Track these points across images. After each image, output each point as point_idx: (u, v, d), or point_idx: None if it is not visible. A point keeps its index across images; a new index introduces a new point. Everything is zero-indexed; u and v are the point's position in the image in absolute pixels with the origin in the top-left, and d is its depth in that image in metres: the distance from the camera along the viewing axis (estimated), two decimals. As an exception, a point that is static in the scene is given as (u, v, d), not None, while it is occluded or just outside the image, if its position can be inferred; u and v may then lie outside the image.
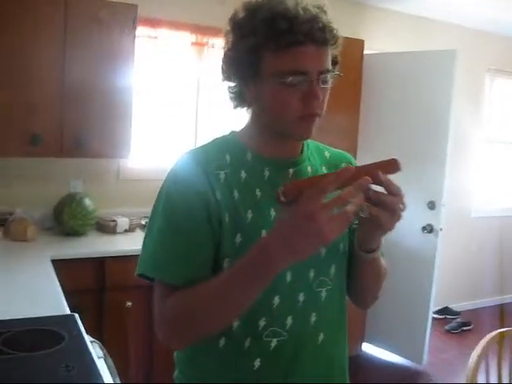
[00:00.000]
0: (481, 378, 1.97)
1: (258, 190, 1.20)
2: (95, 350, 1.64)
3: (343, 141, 4.02)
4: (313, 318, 1.23)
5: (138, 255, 2.98)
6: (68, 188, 3.42)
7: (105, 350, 1.76)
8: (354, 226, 1.21)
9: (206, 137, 3.96)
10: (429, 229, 3.95)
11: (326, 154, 1.35)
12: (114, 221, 3.35)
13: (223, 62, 1.24)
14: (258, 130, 1.25)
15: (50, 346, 1.54)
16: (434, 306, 4.37)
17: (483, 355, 1.97)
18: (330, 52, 1.17)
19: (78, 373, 1.41)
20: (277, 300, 1.18)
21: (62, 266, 2.68)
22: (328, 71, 1.16)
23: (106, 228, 3.34)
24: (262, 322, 1.18)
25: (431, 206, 3.93)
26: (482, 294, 5.74)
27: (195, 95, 3.92)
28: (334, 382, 1.32)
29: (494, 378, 2.03)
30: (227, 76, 1.24)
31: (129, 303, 3.02)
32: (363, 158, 4.27)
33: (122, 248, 3.08)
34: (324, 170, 1.30)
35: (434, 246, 3.96)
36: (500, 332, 2.08)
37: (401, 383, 3.96)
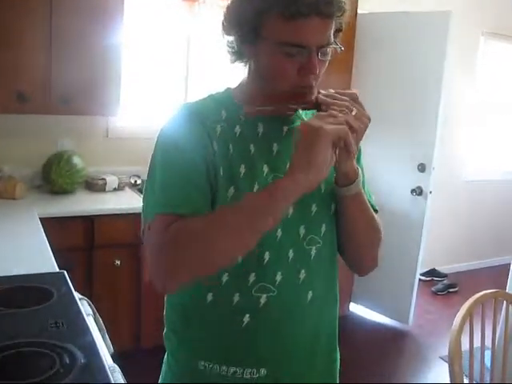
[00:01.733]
0: (464, 339, 2.01)
1: (251, 146, 1.21)
2: (84, 308, 1.64)
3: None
4: (302, 275, 1.23)
5: (128, 214, 2.98)
6: (56, 146, 3.39)
7: (94, 308, 1.77)
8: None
9: (196, 94, 3.92)
10: (418, 191, 3.96)
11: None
12: (103, 179, 3.34)
13: (225, 16, 1.21)
14: (253, 86, 1.24)
15: (38, 302, 1.54)
16: (421, 268, 4.42)
17: (467, 316, 2.00)
18: (335, 22, 1.15)
19: (67, 329, 1.41)
20: (267, 255, 1.19)
21: (50, 225, 2.67)
22: (329, 44, 1.15)
23: (94, 186, 3.33)
24: (251, 278, 1.19)
25: (421, 168, 3.93)
26: (469, 256, 5.81)
27: (186, 52, 3.86)
28: (321, 341, 1.34)
29: (477, 339, 2.07)
30: (227, 31, 1.21)
31: (117, 262, 3.03)
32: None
33: (111, 206, 3.07)
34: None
35: (422, 209, 3.98)
36: (484, 293, 2.10)
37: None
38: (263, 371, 1.23)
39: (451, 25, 3.73)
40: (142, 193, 3.32)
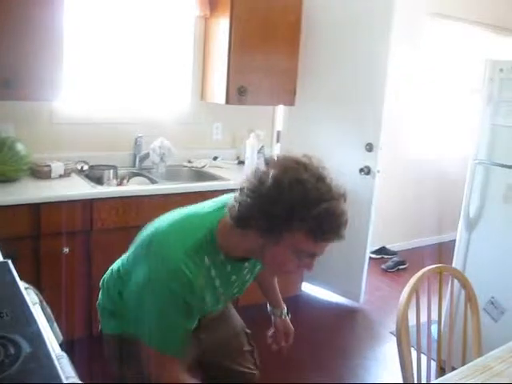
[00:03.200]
0: (411, 313, 2.06)
1: (217, 281, 1.61)
2: (30, 297, 1.60)
3: (282, 82, 4.00)
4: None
5: (75, 200, 2.91)
6: (-1, 132, 3.29)
7: (41, 296, 1.73)
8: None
9: (142, 77, 3.87)
10: (366, 171, 4.02)
11: None
12: (49, 166, 3.25)
13: (248, 198, 1.41)
14: (239, 247, 1.55)
15: (-19, 293, 1.50)
16: (371, 246, 4.50)
17: (413, 291, 2.05)
18: None
19: (11, 319, 1.38)
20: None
21: (-6, 213, 2.61)
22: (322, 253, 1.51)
23: (40, 173, 3.24)
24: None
25: (369, 148, 3.99)
26: (417, 234, 5.95)
27: (130, 33, 3.78)
28: None
29: (424, 313, 2.12)
30: (245, 211, 1.42)
31: (66, 249, 2.98)
32: (302, 99, 4.29)
33: (57, 193, 3.00)
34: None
35: (371, 188, 4.05)
36: (428, 269, 2.16)
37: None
38: None
39: (396, 4, 3.77)
40: (89, 179, 3.21)
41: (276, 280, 2.14)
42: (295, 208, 1.35)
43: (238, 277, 1.70)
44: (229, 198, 1.52)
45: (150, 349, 1.57)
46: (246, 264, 1.68)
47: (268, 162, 1.45)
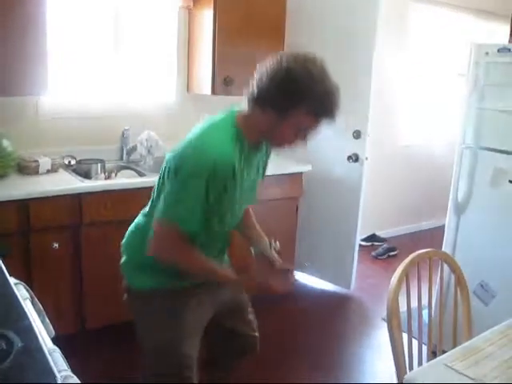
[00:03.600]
0: (402, 300, 2.07)
1: (240, 164, 1.81)
2: (20, 292, 1.60)
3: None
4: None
5: (64, 195, 2.92)
6: (-17, 129, 3.26)
7: (31, 292, 1.73)
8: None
9: (127, 70, 3.85)
10: (354, 158, 4.03)
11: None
12: (36, 161, 3.23)
13: (263, 82, 1.74)
14: (256, 129, 1.83)
15: (-29, 290, 1.50)
16: (361, 234, 4.52)
17: (403, 276, 2.06)
18: None
19: (3, 315, 1.38)
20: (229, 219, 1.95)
21: (-18, 210, 2.59)
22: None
23: (27, 169, 3.22)
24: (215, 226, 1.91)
25: (356, 135, 3.99)
26: (407, 220, 5.98)
27: (114, 25, 3.76)
28: None
29: (414, 299, 2.13)
30: (261, 93, 1.75)
31: (56, 244, 2.97)
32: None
33: (45, 189, 2.98)
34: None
35: (359, 175, 4.05)
36: (418, 253, 2.17)
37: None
38: None
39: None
40: (76, 173, 3.21)
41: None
42: (302, 87, 1.69)
43: (253, 163, 1.92)
44: (228, 110, 1.89)
45: (157, 222, 1.80)
46: (258, 153, 1.94)
47: (280, 56, 1.76)
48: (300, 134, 1.81)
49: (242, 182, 1.86)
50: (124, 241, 2.11)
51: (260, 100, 1.76)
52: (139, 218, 2.09)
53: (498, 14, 5.84)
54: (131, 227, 2.11)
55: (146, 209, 2.06)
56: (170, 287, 1.97)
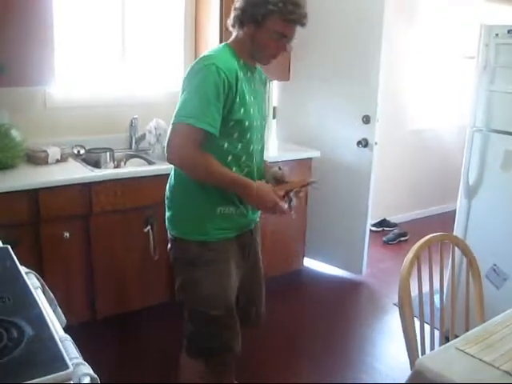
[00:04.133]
0: (415, 285, 2.06)
1: (245, 84, 2.08)
2: (31, 281, 1.60)
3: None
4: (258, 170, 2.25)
5: (73, 184, 2.96)
6: (-8, 120, 3.26)
7: (42, 281, 1.73)
8: None
9: (134, 58, 3.84)
10: (364, 143, 4.00)
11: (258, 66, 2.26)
12: (45, 151, 3.23)
13: (238, 2, 2.07)
14: (244, 47, 2.10)
15: (-18, 278, 1.50)
16: (371, 219, 4.50)
17: (415, 259, 2.05)
18: None
19: (14, 303, 1.38)
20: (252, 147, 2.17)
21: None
22: (293, 38, 2.12)
23: (36, 159, 3.22)
24: (243, 159, 2.14)
25: (366, 120, 3.96)
26: (417, 205, 5.95)
27: (120, 13, 3.74)
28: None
29: (426, 283, 2.12)
30: (238, 12, 2.07)
31: (66, 234, 2.98)
32: (297, 74, 4.23)
33: (55, 178, 2.98)
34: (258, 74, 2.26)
35: (369, 160, 4.03)
36: (430, 237, 2.15)
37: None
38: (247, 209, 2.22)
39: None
40: (86, 163, 3.23)
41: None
42: (267, 3, 1.98)
43: (256, 89, 2.19)
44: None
45: (180, 127, 1.96)
46: (257, 76, 2.22)
47: None
48: (279, 42, 2.07)
49: (250, 101, 2.09)
50: (167, 196, 2.25)
51: (239, 19, 2.06)
52: (171, 177, 2.25)
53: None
54: (169, 182, 2.26)
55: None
56: (218, 239, 2.15)
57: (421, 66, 5.54)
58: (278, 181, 2.27)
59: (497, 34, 3.05)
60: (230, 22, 2.13)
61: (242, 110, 2.04)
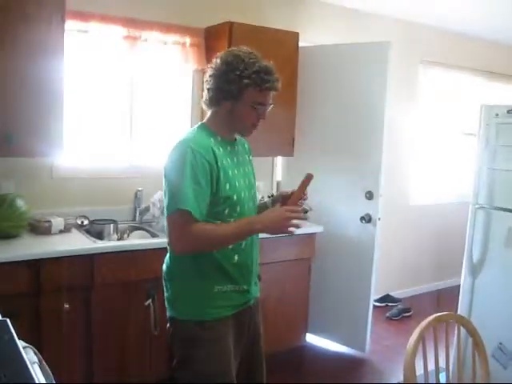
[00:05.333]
0: (420, 363, 2.01)
1: (226, 159, 2.11)
2: (29, 356, 1.57)
3: (280, 134, 4.04)
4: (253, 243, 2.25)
5: (76, 256, 2.96)
6: (-1, 189, 3.29)
7: (39, 356, 1.70)
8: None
9: (141, 132, 3.92)
10: (367, 219, 4.01)
11: (237, 137, 2.29)
12: (49, 221, 3.24)
13: (211, 83, 2.11)
14: (225, 122, 2.15)
15: (-21, 353, 1.47)
16: (375, 294, 4.45)
17: (419, 340, 2.01)
18: None
19: (10, 380, 1.35)
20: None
21: (-7, 271, 2.59)
22: (271, 104, 2.16)
23: (39, 229, 3.23)
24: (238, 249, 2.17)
25: (369, 196, 3.99)
26: (421, 280, 5.90)
27: (129, 90, 3.85)
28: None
29: (431, 362, 2.08)
30: (214, 93, 2.10)
31: (66, 305, 2.94)
32: (300, 149, 4.28)
33: (57, 249, 2.97)
34: (239, 146, 2.29)
35: (372, 236, 4.03)
36: (435, 317, 2.12)
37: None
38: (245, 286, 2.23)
39: (391, 54, 3.85)
40: (89, 234, 3.23)
41: None
42: (241, 70, 2.02)
43: (239, 161, 2.21)
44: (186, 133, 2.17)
45: (168, 218, 2.02)
46: (238, 150, 2.25)
47: (215, 57, 2.12)
48: (257, 110, 2.11)
49: (234, 174, 2.13)
50: (164, 277, 2.27)
51: (214, 98, 2.11)
52: (167, 258, 2.27)
53: (507, 75, 5.93)
54: (166, 263, 2.28)
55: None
56: (212, 319, 2.13)
57: (422, 141, 5.64)
58: (283, 200, 2.32)
59: (497, 114, 3.12)
60: (204, 101, 2.17)
61: (228, 185, 2.08)
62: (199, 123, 2.21)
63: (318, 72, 4.18)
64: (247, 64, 2.03)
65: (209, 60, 3.93)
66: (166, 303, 2.24)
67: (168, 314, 2.23)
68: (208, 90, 2.12)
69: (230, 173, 2.10)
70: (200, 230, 1.99)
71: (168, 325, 2.24)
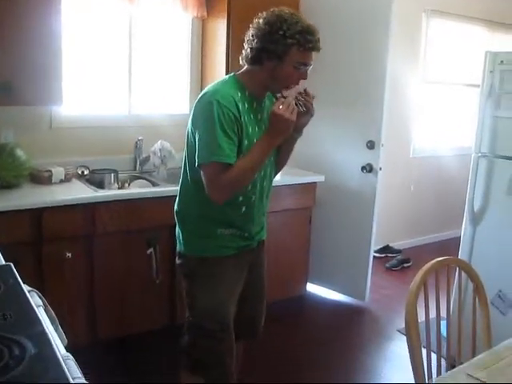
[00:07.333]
0: (421, 312, 2.02)
1: (249, 115, 2.14)
2: (34, 299, 1.58)
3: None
4: (263, 192, 2.33)
5: (77, 204, 2.96)
6: (-2, 139, 3.27)
7: (44, 300, 1.71)
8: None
9: (139, 81, 3.86)
10: (368, 168, 4.00)
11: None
12: (49, 171, 3.23)
13: (254, 42, 2.09)
14: (260, 82, 2.16)
15: (-16, 296, 1.48)
16: (375, 245, 4.47)
17: (421, 284, 2.02)
18: None
19: (16, 321, 1.36)
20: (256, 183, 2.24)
21: (-4, 219, 2.59)
22: (311, 64, 2.14)
23: (40, 179, 3.22)
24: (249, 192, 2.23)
25: (370, 145, 3.97)
26: (421, 231, 5.93)
27: (128, 39, 3.78)
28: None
29: (433, 310, 2.09)
30: (256, 51, 2.09)
31: (69, 254, 2.95)
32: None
33: (58, 198, 2.97)
34: (268, 101, 2.29)
35: (373, 186, 4.02)
36: (436, 261, 2.12)
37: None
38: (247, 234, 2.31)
39: (393, 4, 3.77)
40: (90, 183, 3.22)
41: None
42: (285, 30, 2.01)
43: (263, 117, 2.22)
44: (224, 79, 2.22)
45: (201, 168, 2.08)
46: (265, 101, 2.25)
47: (258, 17, 2.12)
48: (300, 70, 2.11)
49: (253, 131, 2.15)
50: (176, 211, 2.35)
51: (256, 58, 2.10)
52: (178, 196, 2.34)
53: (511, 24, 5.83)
54: (177, 201, 2.35)
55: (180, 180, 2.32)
56: (216, 255, 2.25)
57: (425, 92, 5.57)
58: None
59: (502, 61, 3.07)
60: (244, 59, 2.17)
61: (246, 141, 2.12)
62: (232, 73, 2.22)
63: (318, 21, 4.03)
64: (290, 24, 2.03)
65: (209, 7, 3.88)
66: (176, 237, 2.37)
67: (177, 248, 2.36)
68: (251, 49, 2.11)
69: (250, 130, 2.14)
70: (233, 173, 2.05)
71: (176, 259, 2.37)
